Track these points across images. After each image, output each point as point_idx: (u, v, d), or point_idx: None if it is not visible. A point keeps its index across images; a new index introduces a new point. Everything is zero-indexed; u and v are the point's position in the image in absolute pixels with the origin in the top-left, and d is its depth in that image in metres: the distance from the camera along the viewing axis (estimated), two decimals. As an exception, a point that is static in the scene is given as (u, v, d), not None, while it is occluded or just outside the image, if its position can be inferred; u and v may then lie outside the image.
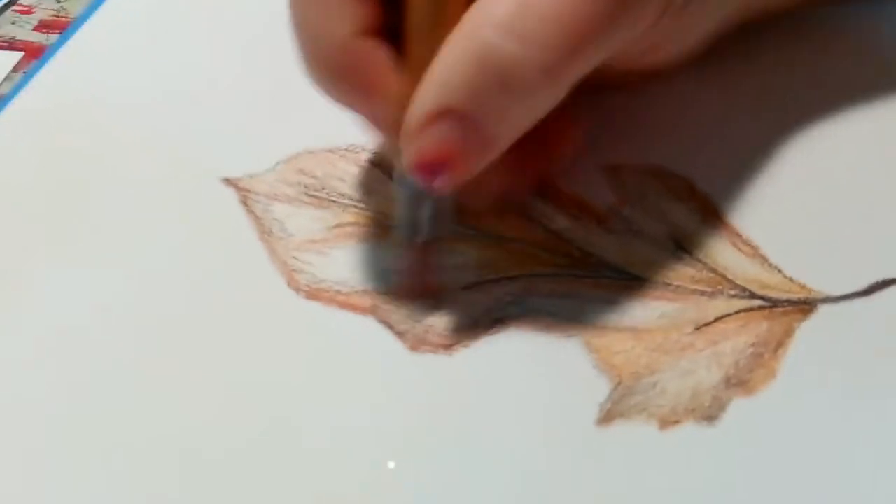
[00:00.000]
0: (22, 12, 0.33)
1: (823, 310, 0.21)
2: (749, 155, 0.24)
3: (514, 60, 0.18)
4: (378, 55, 0.20)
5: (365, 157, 0.25)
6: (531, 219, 0.23)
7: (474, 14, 0.18)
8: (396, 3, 0.19)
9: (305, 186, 0.24)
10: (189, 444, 0.20)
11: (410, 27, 0.19)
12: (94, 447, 0.20)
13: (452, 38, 0.18)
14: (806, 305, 0.21)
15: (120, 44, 0.29)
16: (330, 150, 0.25)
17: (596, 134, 0.24)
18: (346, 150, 0.25)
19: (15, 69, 0.30)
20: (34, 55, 0.31)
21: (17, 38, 0.32)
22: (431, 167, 0.19)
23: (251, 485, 0.19)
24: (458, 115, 0.18)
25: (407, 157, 0.19)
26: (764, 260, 0.22)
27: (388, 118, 0.20)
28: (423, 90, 0.19)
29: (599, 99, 0.24)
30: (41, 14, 0.32)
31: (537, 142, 0.21)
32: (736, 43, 0.25)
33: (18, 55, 0.31)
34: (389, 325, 0.21)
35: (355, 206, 0.24)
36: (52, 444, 0.20)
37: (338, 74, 0.20)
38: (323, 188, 0.24)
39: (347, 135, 0.25)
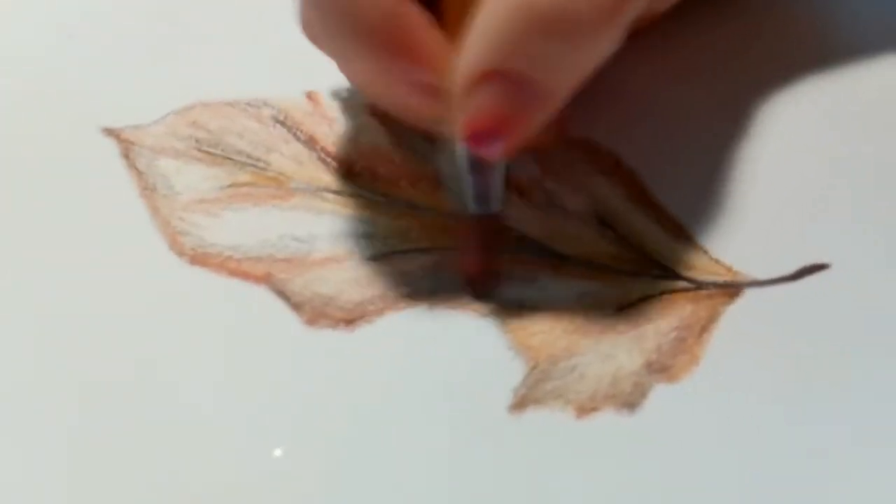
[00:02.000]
0: None
1: (750, 294, 0.20)
2: (679, 133, 0.23)
3: (565, 10, 0.17)
4: (421, 20, 0.18)
5: (267, 112, 0.22)
6: (447, 188, 0.21)
7: None
8: None
9: (197, 141, 0.22)
10: (63, 420, 0.17)
11: None
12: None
13: None
14: (732, 289, 0.20)
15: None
16: (229, 104, 0.23)
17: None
18: (248, 104, 0.23)
19: None
20: None
21: None
22: (485, 133, 0.17)
23: (127, 468, 0.17)
24: (508, 74, 0.17)
25: (458, 125, 0.18)
26: (690, 240, 0.20)
27: (437, 84, 0.18)
28: (468, 48, 0.17)
29: None
30: None
31: None
32: (672, 19, 0.24)
33: None
34: (285, 296, 0.19)
35: (254, 166, 0.21)
36: None
37: (386, 41, 0.18)
38: (217, 144, 0.22)
39: (250, 87, 0.23)
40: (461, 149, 0.19)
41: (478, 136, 0.18)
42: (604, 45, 0.18)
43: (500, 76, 0.17)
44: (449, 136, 0.19)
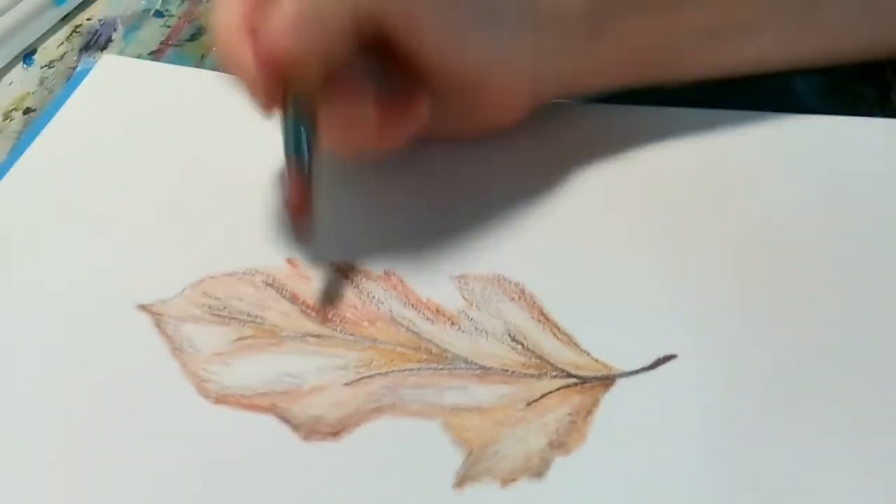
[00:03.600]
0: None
1: (621, 382, 0.27)
2: (565, 259, 0.30)
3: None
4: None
5: (259, 278, 0.30)
6: (398, 324, 0.29)
7: None
8: None
9: (209, 307, 0.29)
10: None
11: None
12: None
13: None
14: (608, 380, 0.27)
15: (40, 187, 0.33)
16: (229, 275, 0.30)
17: (447, 245, 0.30)
18: (243, 273, 0.30)
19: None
20: (-47, 198, 0.34)
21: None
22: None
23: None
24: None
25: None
26: (577, 346, 0.28)
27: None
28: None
29: (450, 212, 0.31)
30: (-43, 158, 0.36)
31: (391, 111, 0.28)
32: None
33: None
34: (286, 420, 0.26)
35: (253, 321, 0.29)
36: None
37: (224, 54, 0.27)
38: (224, 307, 0.29)
39: (243, 260, 0.30)
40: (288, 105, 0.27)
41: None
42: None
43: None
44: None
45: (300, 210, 0.28)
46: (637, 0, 0.30)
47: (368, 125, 0.28)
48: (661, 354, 0.27)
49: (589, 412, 0.26)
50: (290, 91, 0.27)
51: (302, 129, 0.27)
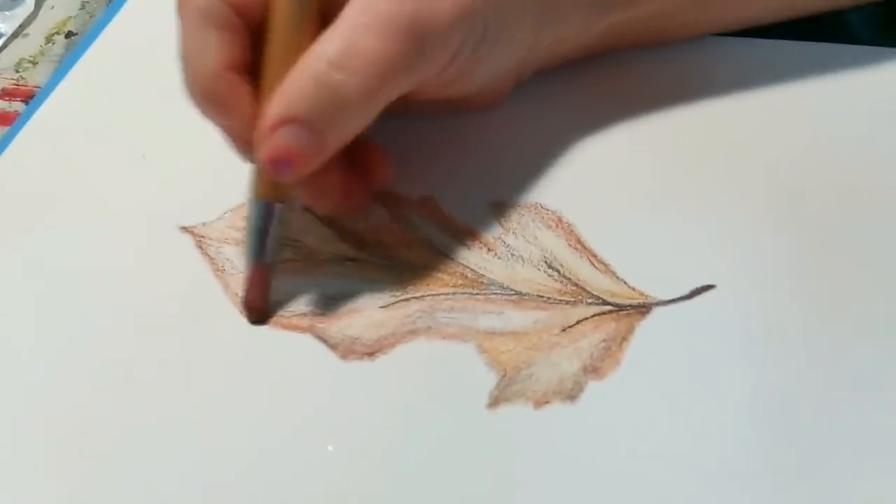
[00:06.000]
0: (-17, 81, 0.37)
1: (657, 311, 0.27)
2: (603, 190, 0.30)
3: (342, 84, 0.24)
4: (240, 85, 0.26)
5: (297, 203, 0.30)
6: (435, 249, 0.29)
7: (314, 48, 0.24)
8: (257, 48, 0.26)
9: (250, 230, 0.29)
10: (161, 457, 0.25)
11: (266, 63, 0.26)
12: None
13: (295, 68, 0.24)
14: (644, 308, 0.27)
15: (83, 111, 0.34)
16: (268, 199, 0.30)
17: (485, 173, 0.30)
18: (282, 198, 0.30)
19: (-16, 133, 0.35)
20: (1, 122, 0.35)
21: (-18, 105, 0.36)
22: (279, 161, 0.25)
23: (221, 481, 0.24)
24: (299, 121, 0.24)
25: (260, 155, 0.25)
26: (613, 274, 0.28)
27: (243, 133, 0.26)
28: (273, 102, 0.25)
29: (490, 141, 0.30)
30: (2, 83, 0.37)
31: (361, 165, 0.27)
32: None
33: (-15, 120, 0.35)
34: (324, 340, 0.27)
35: (293, 245, 0.29)
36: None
37: (207, 97, 0.26)
38: (264, 231, 0.29)
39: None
40: (252, 204, 0.26)
41: (274, 162, 0.24)
42: (367, 116, 0.25)
43: (297, 121, 0.24)
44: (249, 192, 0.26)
45: (256, 310, 0.27)
46: None
47: (334, 193, 0.27)
48: (699, 284, 0.27)
49: (624, 339, 0.26)
50: (268, 188, 0.26)
51: (269, 233, 0.26)
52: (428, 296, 0.28)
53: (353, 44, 0.24)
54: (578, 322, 0.27)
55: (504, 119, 0.32)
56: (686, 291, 0.27)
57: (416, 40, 0.24)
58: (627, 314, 0.27)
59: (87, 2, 0.40)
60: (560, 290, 0.28)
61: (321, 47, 0.24)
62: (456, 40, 0.26)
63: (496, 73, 0.30)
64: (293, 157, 0.25)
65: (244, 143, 0.26)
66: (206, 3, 0.25)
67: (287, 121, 0.24)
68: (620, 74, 0.33)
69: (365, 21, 0.24)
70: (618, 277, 0.28)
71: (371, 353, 0.26)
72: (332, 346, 0.27)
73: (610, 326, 0.27)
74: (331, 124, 0.25)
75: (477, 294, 0.28)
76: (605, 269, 0.28)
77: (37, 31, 0.39)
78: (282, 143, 0.24)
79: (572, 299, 0.27)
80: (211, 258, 0.29)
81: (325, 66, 0.24)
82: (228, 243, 0.29)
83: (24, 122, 0.33)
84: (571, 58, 0.32)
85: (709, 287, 0.27)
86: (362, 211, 0.29)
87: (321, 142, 0.25)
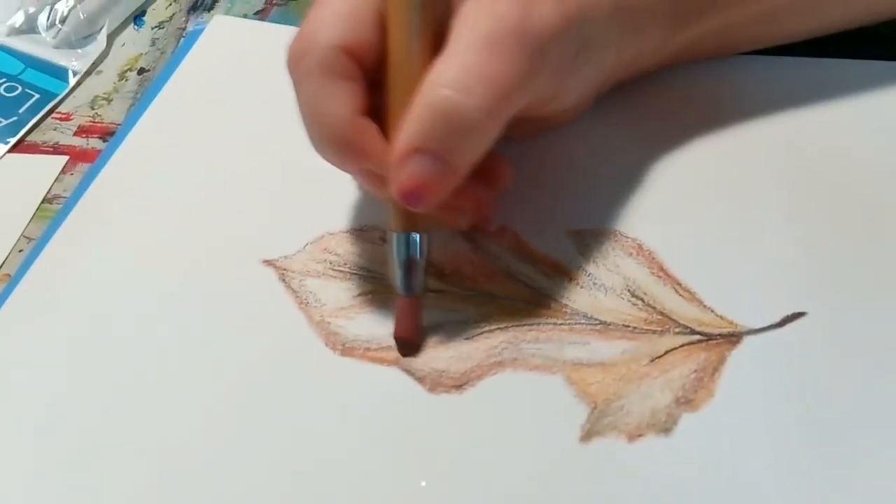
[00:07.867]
0: (61, 119, 0.38)
1: (748, 340, 0.26)
2: (682, 216, 0.30)
3: (463, 107, 0.24)
4: (371, 128, 0.26)
5: (376, 234, 0.30)
6: (516, 279, 0.29)
7: (430, 77, 0.25)
8: (377, 91, 0.26)
9: (331, 263, 0.30)
10: (245, 486, 0.25)
11: (389, 99, 0.26)
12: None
13: (416, 99, 0.25)
14: (734, 337, 0.26)
15: (163, 147, 0.34)
16: (347, 232, 0.30)
17: (558, 200, 0.30)
18: (361, 230, 0.30)
19: (63, 171, 0.35)
20: (79, 158, 0.36)
21: (61, 143, 0.37)
22: (412, 193, 0.25)
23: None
24: (425, 151, 0.25)
25: (393, 189, 0.25)
26: (700, 303, 0.27)
27: (382, 173, 0.26)
28: (399, 137, 0.25)
29: (557, 166, 0.30)
30: (79, 120, 0.38)
31: (485, 175, 0.27)
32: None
33: (64, 158, 0.36)
34: (411, 373, 0.27)
35: (374, 277, 0.29)
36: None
37: (344, 146, 0.26)
38: (345, 263, 0.29)
39: (360, 218, 0.31)
40: (392, 237, 0.26)
41: (407, 195, 0.25)
42: (491, 135, 0.25)
43: (420, 151, 0.24)
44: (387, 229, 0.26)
45: (407, 342, 0.27)
46: None
47: (468, 209, 0.28)
48: (790, 311, 0.27)
49: (716, 369, 0.26)
50: (405, 219, 0.26)
51: (412, 264, 0.26)
52: (512, 327, 0.28)
53: (466, 66, 0.24)
54: (667, 352, 0.26)
55: (577, 144, 0.32)
56: (776, 319, 0.27)
57: (527, 52, 0.25)
58: (717, 343, 0.26)
59: (157, 38, 0.41)
60: (646, 320, 0.27)
61: (437, 75, 0.24)
62: (561, 49, 0.26)
63: (588, 86, 0.30)
64: (424, 187, 0.25)
65: (379, 180, 0.26)
66: (325, 56, 0.25)
67: (414, 152, 0.24)
68: (677, 91, 0.32)
69: (474, 42, 0.24)
70: (704, 305, 0.27)
71: (459, 386, 0.26)
72: (419, 380, 0.26)
73: (700, 356, 0.26)
74: (456, 149, 0.25)
75: (561, 324, 0.27)
76: (692, 297, 0.28)
77: (109, 69, 0.39)
78: (411, 174, 0.25)
79: (659, 329, 0.27)
80: (294, 291, 0.29)
81: (444, 93, 0.24)
82: (311, 276, 0.29)
83: (106, 159, 0.34)
84: (648, 71, 0.32)
85: (800, 314, 0.27)
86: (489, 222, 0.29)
87: (449, 168, 0.25)
